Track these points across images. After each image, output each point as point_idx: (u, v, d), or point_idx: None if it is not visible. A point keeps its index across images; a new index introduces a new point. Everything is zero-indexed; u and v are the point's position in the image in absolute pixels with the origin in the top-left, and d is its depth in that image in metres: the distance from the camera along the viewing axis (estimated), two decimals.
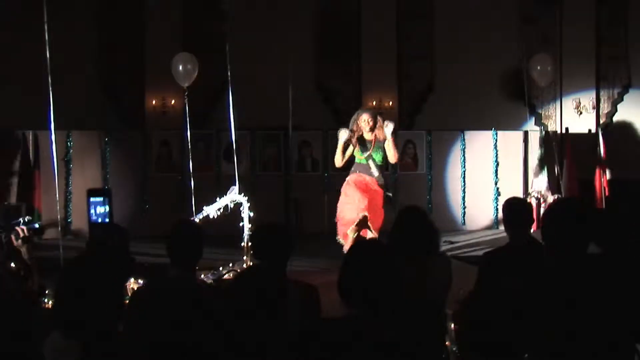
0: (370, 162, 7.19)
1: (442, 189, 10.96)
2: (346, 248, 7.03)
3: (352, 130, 7.17)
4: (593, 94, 12.86)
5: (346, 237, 7.10)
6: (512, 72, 12.50)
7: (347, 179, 7.29)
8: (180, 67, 8.95)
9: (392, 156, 7.25)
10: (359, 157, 7.24)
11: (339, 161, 7.30)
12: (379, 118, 7.23)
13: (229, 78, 8.36)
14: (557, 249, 2.76)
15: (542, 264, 2.98)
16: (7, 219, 8.94)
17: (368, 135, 7.20)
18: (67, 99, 10.33)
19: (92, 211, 2.91)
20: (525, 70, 11.39)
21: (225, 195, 7.14)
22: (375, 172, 7.20)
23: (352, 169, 7.34)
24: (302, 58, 11.93)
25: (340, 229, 7.25)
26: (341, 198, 7.26)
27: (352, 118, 7.29)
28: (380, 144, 7.21)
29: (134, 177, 10.40)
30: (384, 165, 7.40)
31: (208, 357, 1.93)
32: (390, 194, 7.42)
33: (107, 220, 2.96)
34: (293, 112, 10.55)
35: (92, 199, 2.91)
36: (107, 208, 2.90)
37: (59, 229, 6.98)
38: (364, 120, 7.13)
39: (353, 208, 7.05)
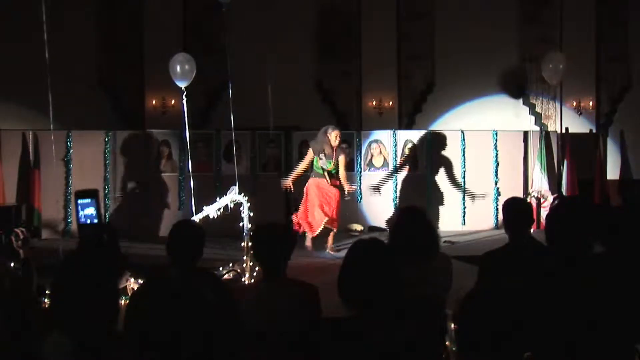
0: (326, 174, 8.43)
1: (442, 189, 10.94)
2: (310, 238, 8.55)
3: (320, 142, 8.39)
4: (593, 94, 12.86)
5: (313, 231, 8.47)
6: (512, 72, 12.51)
7: (311, 183, 8.56)
8: (178, 68, 8.93)
9: (343, 175, 8.49)
10: (318, 168, 8.46)
11: (298, 170, 8.65)
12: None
13: (229, 78, 8.35)
14: (561, 248, 2.76)
15: (542, 263, 2.98)
16: (7, 220, 8.95)
17: (329, 150, 8.39)
18: (67, 99, 10.36)
19: (81, 212, 2.88)
20: (525, 70, 11.40)
21: (225, 195, 7.13)
22: (329, 181, 8.45)
23: (312, 174, 8.57)
24: (302, 58, 11.95)
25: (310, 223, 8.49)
26: (310, 199, 8.51)
27: (322, 130, 8.46)
28: (332, 158, 8.41)
29: (133, 177, 10.38)
30: (336, 175, 8.49)
31: (207, 357, 1.92)
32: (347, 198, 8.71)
33: (95, 220, 2.92)
34: (293, 112, 10.57)
35: (79, 200, 2.88)
36: (95, 208, 2.86)
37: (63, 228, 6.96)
38: (335, 136, 8.36)
39: (318, 211, 8.42)
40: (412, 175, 10.90)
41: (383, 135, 10.96)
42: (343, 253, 2.74)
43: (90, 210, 2.89)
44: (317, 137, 8.57)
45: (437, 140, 10.98)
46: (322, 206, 8.47)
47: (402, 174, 10.88)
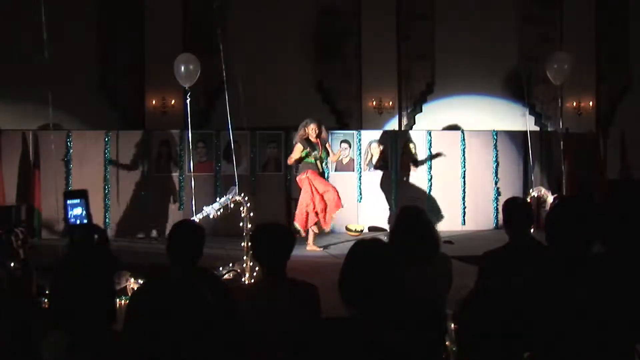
0: (317, 163, 8.84)
1: (442, 189, 10.94)
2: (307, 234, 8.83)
3: (299, 136, 8.81)
4: (593, 94, 12.85)
5: (309, 225, 8.77)
6: (512, 72, 12.50)
7: (307, 176, 8.78)
8: (182, 68, 8.93)
9: (332, 155, 9.22)
10: (310, 159, 8.78)
11: (292, 160, 8.96)
12: (322, 127, 9.00)
13: (228, 78, 8.34)
14: (561, 248, 2.75)
15: (542, 263, 2.98)
16: (7, 220, 8.94)
17: (312, 139, 8.84)
18: (67, 99, 10.35)
19: (70, 213, 2.86)
20: (525, 70, 11.38)
21: (225, 195, 7.13)
22: (321, 168, 8.90)
23: (302, 167, 8.87)
24: (302, 58, 11.94)
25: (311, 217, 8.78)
26: (312, 190, 8.75)
27: (301, 125, 8.88)
28: (318, 146, 8.88)
29: (133, 177, 10.38)
30: (326, 161, 9.14)
31: (207, 358, 1.92)
32: None
33: (84, 220, 2.91)
34: (293, 112, 10.56)
35: (69, 201, 2.86)
36: (83, 208, 2.85)
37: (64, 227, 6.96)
38: (312, 129, 8.81)
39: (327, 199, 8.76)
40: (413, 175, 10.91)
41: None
42: (338, 252, 2.73)
43: (79, 211, 2.88)
44: (298, 131, 8.94)
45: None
46: (326, 191, 8.80)
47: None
